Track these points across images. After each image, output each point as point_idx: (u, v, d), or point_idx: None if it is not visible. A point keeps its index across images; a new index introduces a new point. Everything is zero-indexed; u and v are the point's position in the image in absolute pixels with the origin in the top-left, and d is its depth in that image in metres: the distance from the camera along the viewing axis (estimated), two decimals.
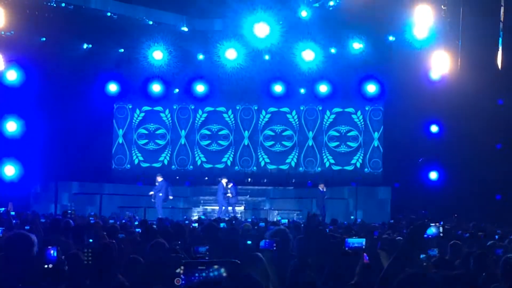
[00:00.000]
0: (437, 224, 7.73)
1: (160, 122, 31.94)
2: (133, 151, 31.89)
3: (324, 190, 25.98)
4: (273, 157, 31.44)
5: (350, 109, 30.84)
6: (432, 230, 7.30)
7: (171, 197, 26.15)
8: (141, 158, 31.84)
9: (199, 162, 31.70)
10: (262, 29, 25.78)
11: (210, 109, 31.63)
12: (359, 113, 30.71)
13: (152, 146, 31.85)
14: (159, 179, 26.01)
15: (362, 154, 30.70)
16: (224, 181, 26.44)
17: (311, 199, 27.29)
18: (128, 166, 31.76)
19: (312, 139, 31.03)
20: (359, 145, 30.73)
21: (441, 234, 8.12)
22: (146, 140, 31.87)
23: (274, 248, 6.89)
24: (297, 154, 31.19)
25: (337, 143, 30.92)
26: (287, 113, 31.38)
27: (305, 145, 31.12)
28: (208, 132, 31.71)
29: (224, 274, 3.37)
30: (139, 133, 31.89)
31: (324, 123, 30.97)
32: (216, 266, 3.41)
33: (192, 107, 31.62)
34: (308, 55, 27.12)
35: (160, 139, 31.81)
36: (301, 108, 31.19)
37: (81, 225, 11.15)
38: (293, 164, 31.16)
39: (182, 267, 3.34)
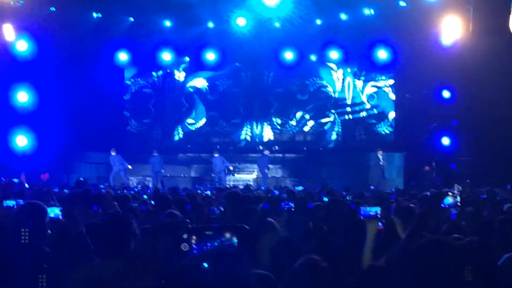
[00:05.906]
0: (455, 193, 7.62)
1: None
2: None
3: (382, 156, 26.06)
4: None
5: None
6: (449, 200, 7.20)
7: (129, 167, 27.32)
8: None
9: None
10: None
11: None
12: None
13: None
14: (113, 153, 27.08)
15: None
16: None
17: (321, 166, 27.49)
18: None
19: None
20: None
21: (459, 204, 8.04)
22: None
23: (292, 210, 6.84)
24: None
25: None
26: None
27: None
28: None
29: (235, 241, 3.23)
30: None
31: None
32: (227, 234, 3.27)
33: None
34: None
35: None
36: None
37: (92, 195, 11.09)
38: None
39: (189, 234, 3.20)
